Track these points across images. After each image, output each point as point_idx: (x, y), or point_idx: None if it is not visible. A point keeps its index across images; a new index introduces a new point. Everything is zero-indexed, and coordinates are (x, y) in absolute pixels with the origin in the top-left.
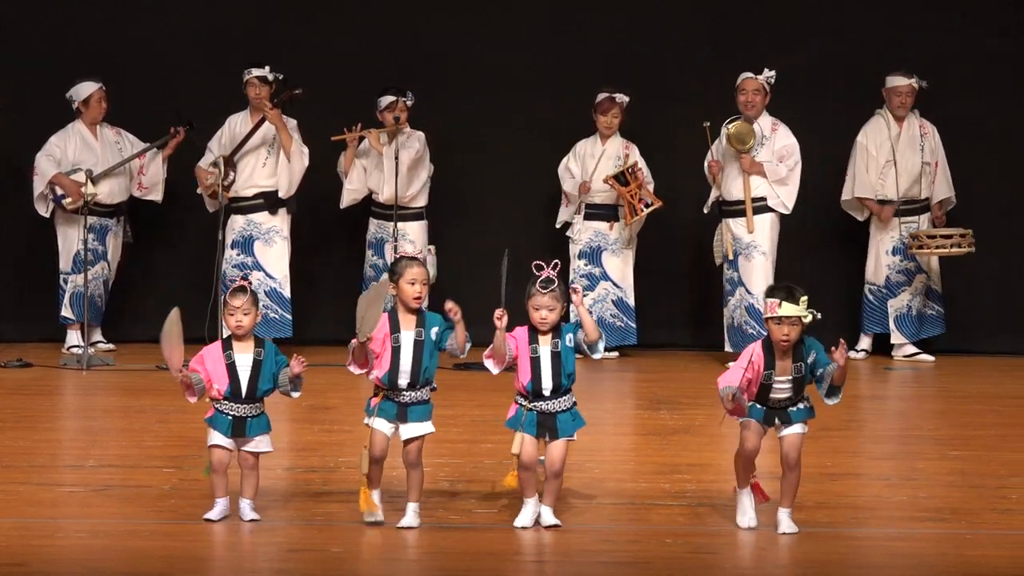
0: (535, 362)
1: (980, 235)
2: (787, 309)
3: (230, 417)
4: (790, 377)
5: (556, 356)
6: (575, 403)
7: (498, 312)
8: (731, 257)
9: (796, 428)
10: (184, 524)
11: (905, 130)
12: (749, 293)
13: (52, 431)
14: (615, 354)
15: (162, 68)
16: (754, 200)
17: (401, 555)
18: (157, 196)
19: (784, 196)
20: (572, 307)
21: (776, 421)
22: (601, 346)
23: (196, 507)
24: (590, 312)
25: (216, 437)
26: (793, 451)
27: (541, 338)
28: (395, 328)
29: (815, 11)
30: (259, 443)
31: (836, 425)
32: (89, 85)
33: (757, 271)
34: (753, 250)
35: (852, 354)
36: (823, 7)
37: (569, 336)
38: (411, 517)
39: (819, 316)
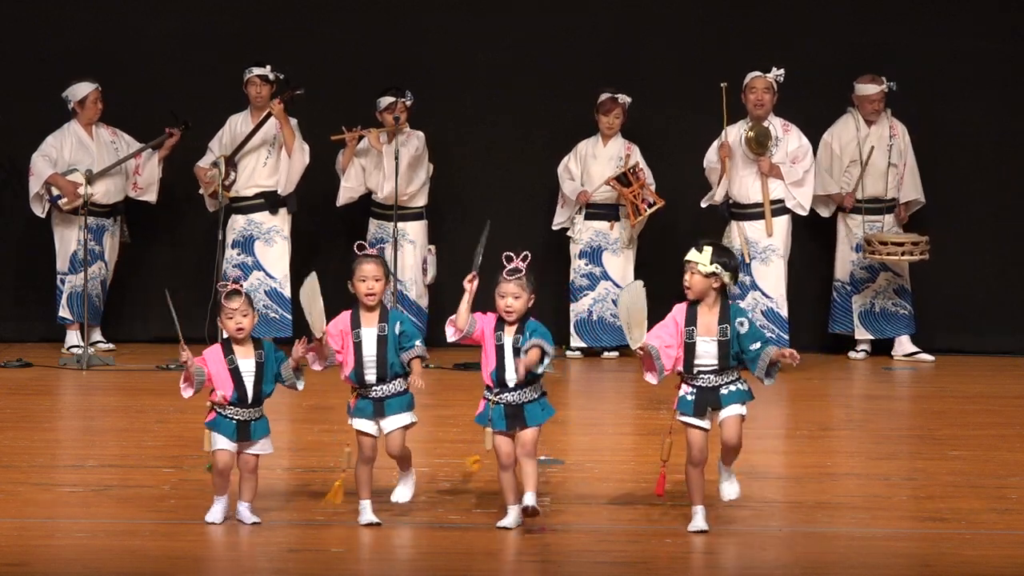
0: (499, 350)
1: (974, 235)
2: (690, 255)
3: (234, 421)
4: (715, 339)
5: (518, 350)
6: (544, 393)
7: (469, 276)
8: (747, 260)
9: (733, 409)
10: (184, 524)
11: (874, 131)
12: (767, 297)
13: (52, 431)
14: (615, 354)
15: (160, 68)
16: (771, 203)
17: (401, 555)
18: (152, 197)
19: (801, 197)
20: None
21: (708, 409)
22: (541, 369)
23: (196, 507)
24: (540, 353)
25: (221, 441)
26: (733, 437)
27: (507, 328)
28: (355, 324)
29: (809, 11)
30: (262, 445)
31: (836, 425)
32: (85, 86)
33: (774, 274)
34: (771, 253)
35: (852, 354)
36: (816, 7)
37: (529, 333)
38: (407, 488)
39: (727, 282)
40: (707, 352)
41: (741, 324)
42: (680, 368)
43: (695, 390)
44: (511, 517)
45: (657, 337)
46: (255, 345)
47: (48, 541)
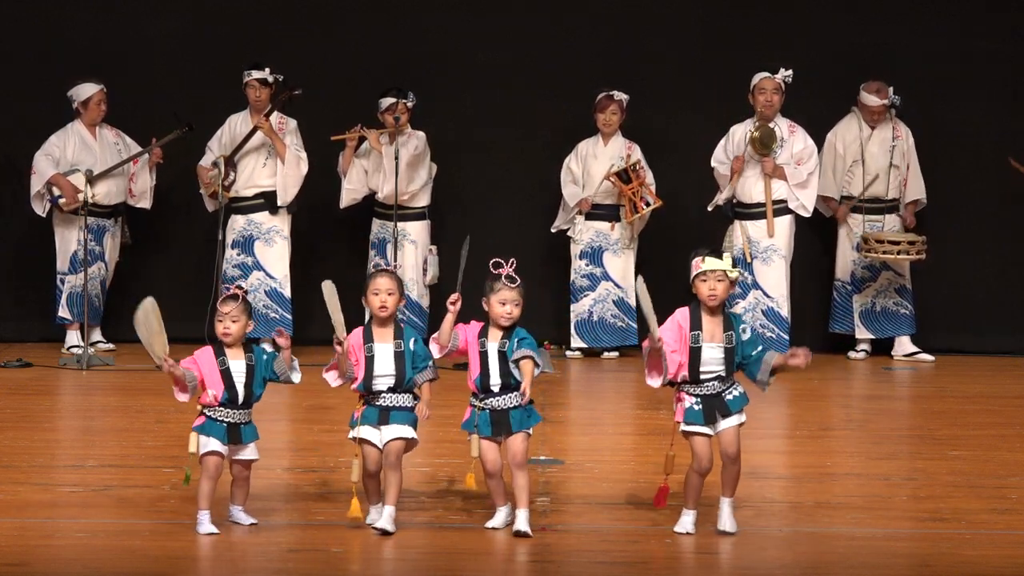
0: (483, 356)
1: (974, 235)
2: (711, 263)
3: (225, 424)
4: (721, 345)
5: (503, 355)
6: (531, 400)
7: (452, 297)
8: (749, 260)
9: (732, 420)
10: (184, 524)
11: (876, 132)
12: (768, 296)
13: (52, 431)
14: (615, 354)
15: (160, 68)
16: (774, 203)
17: (401, 555)
18: (146, 203)
19: (804, 199)
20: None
21: (716, 415)
22: (538, 372)
23: (195, 508)
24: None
25: (212, 443)
26: (732, 446)
27: (491, 333)
28: (368, 339)
29: (809, 11)
30: (250, 451)
31: (836, 425)
32: (90, 86)
33: (776, 274)
34: (773, 253)
35: (852, 354)
36: (817, 7)
37: (517, 341)
38: (386, 520)
39: (745, 275)
40: (713, 359)
41: (744, 331)
42: (685, 373)
43: (700, 399)
44: (499, 518)
45: (660, 332)
46: (245, 349)
47: (48, 541)
